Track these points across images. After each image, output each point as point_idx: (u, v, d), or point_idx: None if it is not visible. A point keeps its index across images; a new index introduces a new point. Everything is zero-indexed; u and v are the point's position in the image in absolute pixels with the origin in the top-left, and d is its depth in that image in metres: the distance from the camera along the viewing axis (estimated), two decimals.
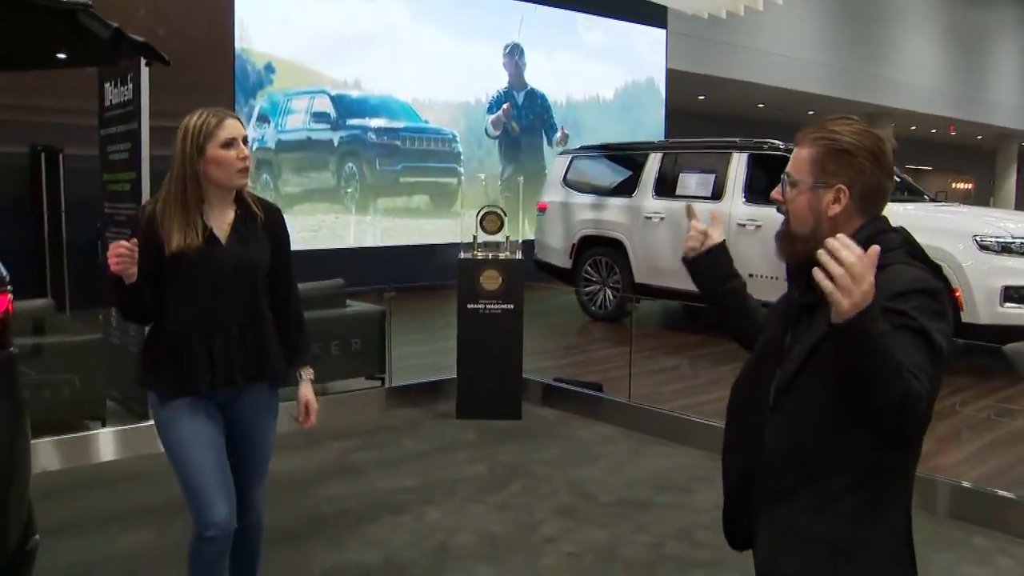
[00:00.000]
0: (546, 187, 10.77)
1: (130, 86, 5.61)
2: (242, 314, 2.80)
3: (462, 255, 6.48)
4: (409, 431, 5.98)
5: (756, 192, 8.56)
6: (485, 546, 4.19)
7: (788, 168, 1.89)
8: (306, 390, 3.01)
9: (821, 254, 1.55)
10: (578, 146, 11.41)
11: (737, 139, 9.19)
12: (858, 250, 1.53)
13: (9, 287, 2.60)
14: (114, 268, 2.55)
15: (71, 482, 4.84)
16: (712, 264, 2.20)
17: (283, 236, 2.94)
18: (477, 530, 4.36)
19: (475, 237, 6.54)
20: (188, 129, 2.72)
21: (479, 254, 6.43)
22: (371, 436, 5.85)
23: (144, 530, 4.23)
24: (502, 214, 6.57)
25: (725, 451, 1.99)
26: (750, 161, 8.80)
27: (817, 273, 1.55)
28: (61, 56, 6.10)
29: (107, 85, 6.02)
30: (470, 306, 6.29)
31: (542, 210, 10.56)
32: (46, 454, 5.01)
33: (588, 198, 10.10)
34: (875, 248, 1.55)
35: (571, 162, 10.50)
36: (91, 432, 5.31)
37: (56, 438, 5.06)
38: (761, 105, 21.66)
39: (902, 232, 1.86)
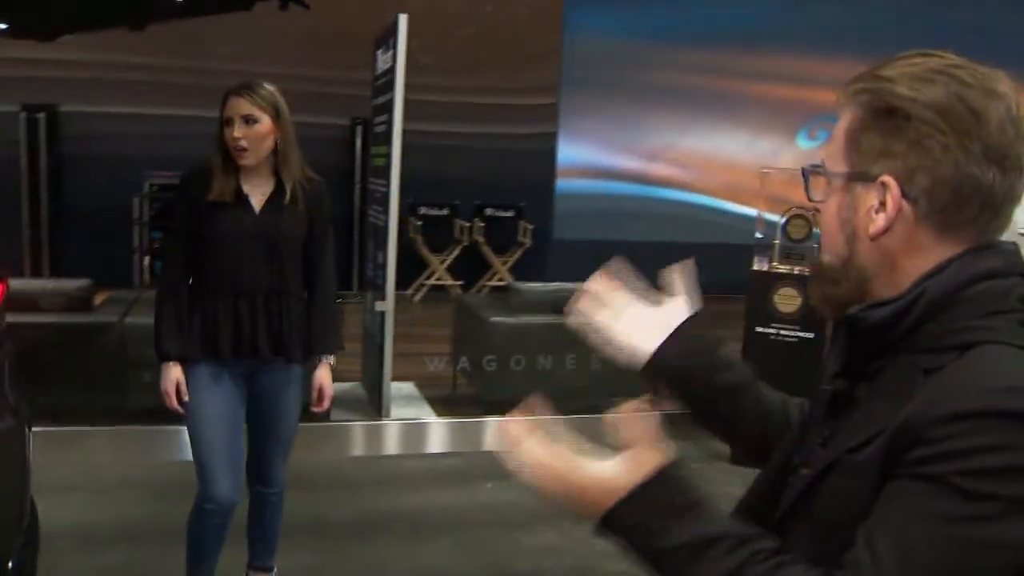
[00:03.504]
0: None
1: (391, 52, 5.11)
2: (267, 284, 2.81)
3: (755, 266, 5.28)
4: None
5: None
6: None
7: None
8: (323, 373, 2.98)
9: None
10: None
11: None
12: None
13: None
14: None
15: None
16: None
17: (321, 211, 2.92)
18: None
19: (775, 244, 5.31)
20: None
21: (777, 267, 5.20)
22: None
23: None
24: (812, 218, 5.25)
25: None
26: None
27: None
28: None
29: (379, 52, 5.60)
30: (759, 329, 5.12)
31: None
32: None
33: None
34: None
35: None
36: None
37: None
38: None
39: None
